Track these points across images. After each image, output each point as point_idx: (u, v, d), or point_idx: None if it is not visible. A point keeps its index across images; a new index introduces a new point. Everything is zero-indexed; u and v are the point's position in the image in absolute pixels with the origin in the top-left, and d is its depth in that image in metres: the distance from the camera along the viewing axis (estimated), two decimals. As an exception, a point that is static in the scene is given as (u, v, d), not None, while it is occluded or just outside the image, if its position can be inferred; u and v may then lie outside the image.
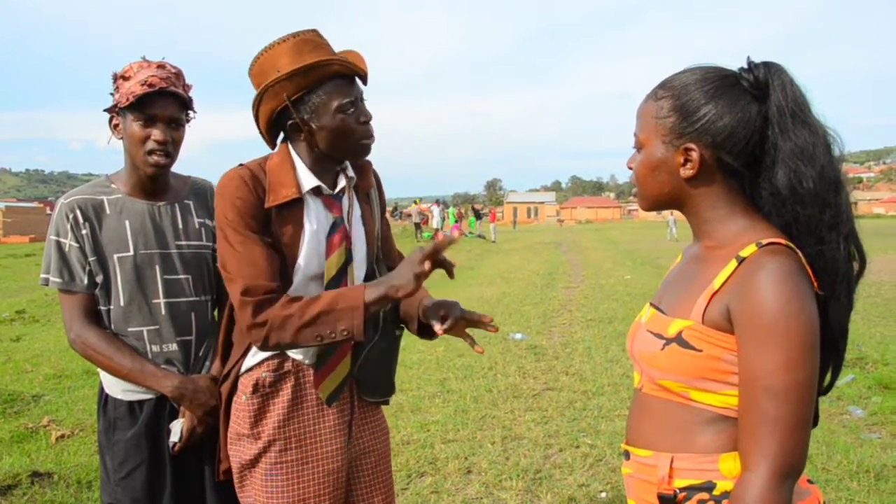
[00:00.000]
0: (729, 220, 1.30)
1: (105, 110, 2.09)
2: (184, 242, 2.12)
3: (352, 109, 1.78)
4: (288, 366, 1.84)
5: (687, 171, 1.28)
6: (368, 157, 1.95)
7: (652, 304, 1.40)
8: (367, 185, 2.01)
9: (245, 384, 1.85)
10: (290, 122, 1.79)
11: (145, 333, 2.06)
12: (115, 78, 2.07)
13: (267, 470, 1.82)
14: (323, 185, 1.84)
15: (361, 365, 1.92)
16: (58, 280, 2.03)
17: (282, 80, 1.72)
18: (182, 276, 2.10)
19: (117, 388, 2.07)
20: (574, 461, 4.19)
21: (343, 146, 1.81)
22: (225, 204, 1.74)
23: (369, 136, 1.84)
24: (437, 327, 1.84)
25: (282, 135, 1.89)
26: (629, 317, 9.47)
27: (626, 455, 1.38)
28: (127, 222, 2.06)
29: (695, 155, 1.26)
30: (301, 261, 1.81)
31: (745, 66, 1.28)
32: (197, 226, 2.16)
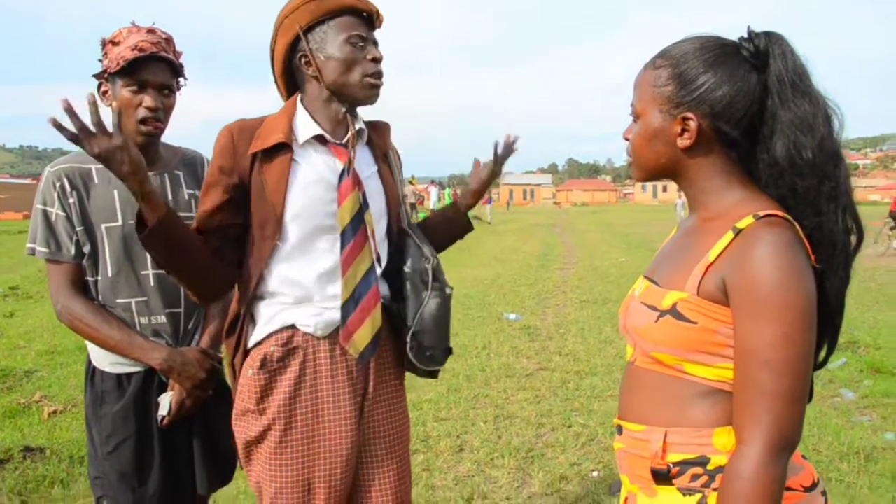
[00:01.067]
0: (725, 191, 1.28)
1: (94, 76, 2.05)
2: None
3: (361, 44, 1.78)
4: (297, 340, 1.79)
5: (684, 141, 1.26)
6: (386, 121, 1.99)
7: (646, 277, 1.39)
8: (384, 145, 1.99)
9: (254, 358, 1.80)
10: (300, 55, 1.80)
11: (133, 305, 2.03)
12: (104, 43, 2.03)
13: (272, 448, 1.78)
14: (327, 134, 1.82)
15: (415, 331, 1.87)
16: (44, 250, 1.99)
17: (296, 8, 1.77)
18: None
19: (105, 361, 2.05)
20: (566, 440, 4.20)
21: (349, 80, 1.79)
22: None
23: (377, 75, 1.81)
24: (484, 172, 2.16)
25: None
26: (623, 298, 9.11)
27: (619, 430, 1.36)
28: (115, 192, 2.01)
29: (693, 124, 1.24)
30: (297, 210, 1.76)
31: (746, 35, 1.26)
32: (187, 197, 2.13)
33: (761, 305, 1.12)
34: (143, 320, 2.04)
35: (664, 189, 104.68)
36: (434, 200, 32.81)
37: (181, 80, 2.10)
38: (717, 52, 1.24)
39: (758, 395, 1.12)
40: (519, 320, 7.96)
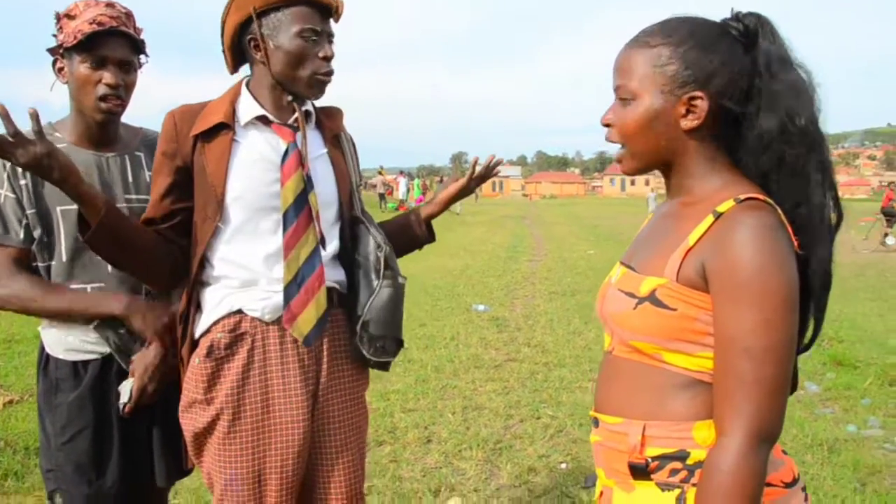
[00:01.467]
0: (710, 176, 1.24)
1: (48, 51, 1.94)
2: (133, 196, 2.00)
3: (314, 38, 1.72)
4: (245, 325, 1.74)
5: (690, 122, 1.21)
6: (339, 106, 1.94)
7: (622, 263, 1.34)
8: (335, 128, 1.94)
9: (201, 346, 1.76)
10: (250, 38, 1.74)
11: (90, 290, 1.93)
12: (59, 17, 1.92)
13: (221, 438, 1.73)
14: (269, 114, 1.77)
15: (364, 321, 1.82)
16: None
17: None
18: None
19: (59, 348, 1.95)
20: (535, 432, 4.18)
21: (296, 75, 1.74)
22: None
23: (326, 73, 1.76)
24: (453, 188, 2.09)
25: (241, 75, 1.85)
26: (592, 290, 9.50)
27: (595, 422, 1.32)
28: None
29: (702, 104, 1.20)
30: (238, 191, 1.72)
31: (731, 16, 1.24)
32: (148, 179, 2.04)
33: (741, 290, 1.08)
34: None
35: (632, 182, 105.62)
36: (403, 191, 32.67)
37: (142, 56, 2.01)
38: (714, 30, 1.22)
39: (738, 384, 1.08)
40: (488, 311, 7.94)
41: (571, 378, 5.27)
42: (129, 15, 1.95)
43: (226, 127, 1.74)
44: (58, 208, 1.90)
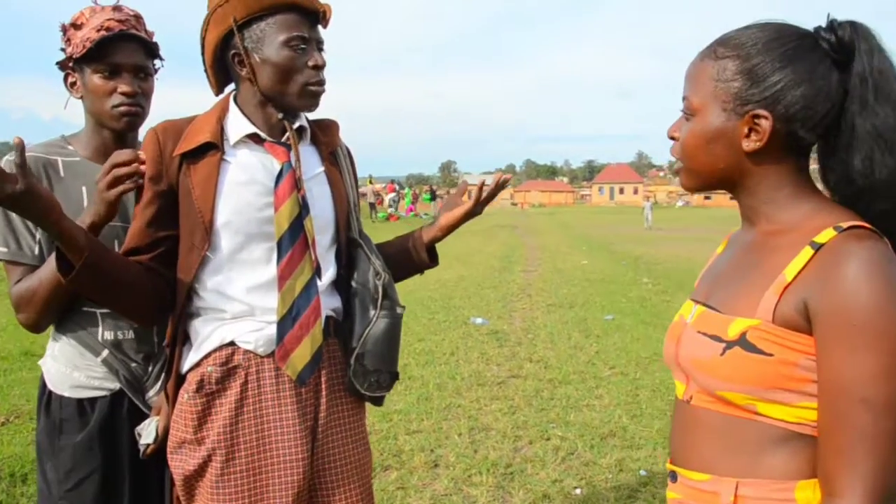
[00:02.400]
0: (795, 202, 1.10)
1: (57, 64, 1.80)
2: None
3: (303, 46, 1.57)
4: (238, 358, 1.59)
5: (751, 144, 1.08)
6: (333, 118, 1.80)
7: (696, 301, 1.20)
8: (332, 143, 1.78)
9: (189, 381, 1.61)
10: (233, 53, 1.59)
11: (99, 316, 1.78)
12: (65, 29, 1.78)
13: (213, 481, 1.57)
14: (260, 132, 1.62)
15: (358, 353, 1.68)
16: (3, 250, 1.72)
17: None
18: None
19: (64, 385, 1.78)
20: (545, 454, 4.02)
21: (286, 89, 1.59)
22: None
23: (318, 82, 1.60)
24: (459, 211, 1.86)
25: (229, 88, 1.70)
26: (589, 302, 9.41)
27: (673, 476, 1.18)
28: (84, 188, 1.77)
29: (765, 124, 1.06)
30: (228, 216, 1.57)
31: (826, 25, 1.09)
32: None
33: (856, 333, 0.94)
34: (108, 335, 1.78)
35: (621, 191, 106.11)
36: (387, 204, 32.61)
37: (157, 61, 1.86)
38: (795, 43, 1.06)
39: (854, 438, 0.94)
40: (486, 325, 7.78)
41: (578, 396, 5.12)
42: (138, 17, 1.81)
43: (213, 147, 1.58)
44: None
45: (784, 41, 1.06)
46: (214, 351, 1.60)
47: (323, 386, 1.68)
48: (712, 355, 1.07)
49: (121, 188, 1.57)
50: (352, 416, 1.74)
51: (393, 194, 33.80)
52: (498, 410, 4.81)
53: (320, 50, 1.62)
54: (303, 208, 1.60)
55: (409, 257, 1.89)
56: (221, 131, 1.61)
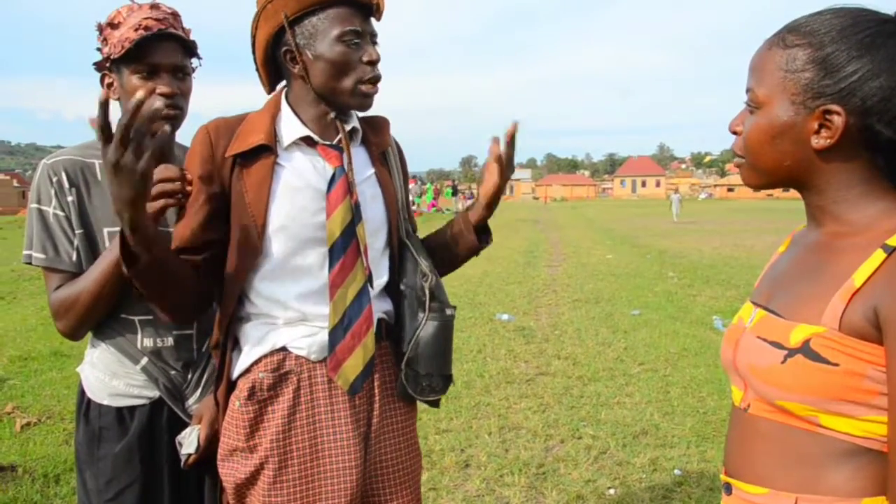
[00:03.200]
0: (865, 202, 1.04)
1: (94, 65, 1.76)
2: None
3: (356, 41, 1.52)
4: (290, 364, 1.56)
5: (821, 141, 1.02)
6: (384, 115, 1.74)
7: (756, 304, 1.14)
8: (383, 143, 1.73)
9: (241, 388, 1.57)
10: (285, 49, 1.54)
11: (137, 323, 1.75)
12: (101, 28, 1.74)
13: (266, 489, 1.54)
14: (314, 135, 1.57)
15: (409, 357, 1.64)
16: (41, 256, 1.68)
17: None
18: None
19: (103, 393, 1.75)
20: (577, 454, 3.97)
21: (339, 87, 1.54)
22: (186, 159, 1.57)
23: (372, 79, 1.55)
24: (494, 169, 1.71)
25: (281, 85, 1.66)
26: (615, 297, 9.32)
27: (727, 488, 1.13)
28: None
29: (837, 120, 0.99)
30: (281, 221, 1.53)
31: None
32: None
33: None
34: (148, 342, 1.75)
35: (643, 184, 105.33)
36: (413, 192, 32.63)
37: (194, 60, 1.82)
38: (874, 30, 0.99)
39: None
40: (512, 321, 7.73)
41: (608, 394, 5.06)
42: (175, 15, 1.77)
43: (267, 149, 1.54)
44: (105, 230, 1.72)
45: (861, 28, 1.00)
46: (266, 356, 1.56)
47: (376, 391, 1.64)
48: (772, 363, 1.02)
49: (162, 203, 1.49)
50: (404, 421, 1.71)
51: (415, 186, 33.78)
52: (528, 409, 4.76)
53: (374, 43, 1.57)
54: (355, 214, 1.56)
55: (459, 242, 1.81)
56: (275, 133, 1.57)
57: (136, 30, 1.66)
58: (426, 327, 1.65)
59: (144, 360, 1.74)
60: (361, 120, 1.71)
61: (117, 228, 1.67)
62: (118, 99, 1.76)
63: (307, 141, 1.58)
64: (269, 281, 1.56)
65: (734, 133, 1.14)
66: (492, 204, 1.77)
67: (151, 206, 1.53)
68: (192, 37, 1.80)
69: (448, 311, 1.68)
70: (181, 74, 1.75)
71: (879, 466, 0.96)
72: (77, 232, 1.70)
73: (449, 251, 1.82)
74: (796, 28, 1.05)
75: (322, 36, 1.51)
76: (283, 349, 1.56)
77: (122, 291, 1.68)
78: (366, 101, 1.58)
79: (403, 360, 1.65)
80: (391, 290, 1.71)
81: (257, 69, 1.64)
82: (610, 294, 9.63)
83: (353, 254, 1.55)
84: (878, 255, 0.96)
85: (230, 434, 1.58)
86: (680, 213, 29.29)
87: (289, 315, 1.57)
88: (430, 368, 1.64)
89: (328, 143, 1.59)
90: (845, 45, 0.99)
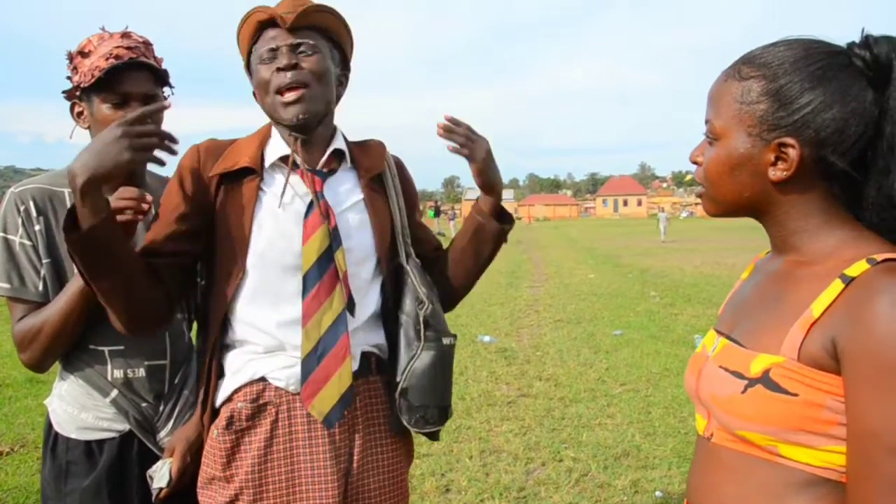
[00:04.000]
0: (824, 232, 1.04)
1: (64, 94, 1.74)
2: None
3: (271, 57, 1.54)
4: (269, 395, 1.53)
5: (778, 173, 1.02)
6: (379, 139, 1.75)
7: (720, 332, 1.14)
8: (373, 166, 1.69)
9: (221, 417, 1.55)
10: (253, 92, 1.62)
11: (107, 354, 1.71)
12: (72, 56, 1.72)
13: None
14: (297, 157, 1.57)
15: (402, 388, 1.61)
16: (5, 286, 1.65)
17: (238, 42, 1.62)
18: None
19: (70, 426, 1.71)
20: (558, 477, 3.95)
21: (267, 104, 1.56)
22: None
23: (284, 87, 1.51)
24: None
25: None
26: (597, 317, 9.33)
27: None
28: None
29: (792, 153, 1.00)
30: (262, 246, 1.52)
31: (860, 41, 1.02)
32: None
33: (888, 376, 0.87)
34: (118, 373, 1.72)
35: (625, 203, 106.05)
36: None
37: (166, 88, 1.80)
38: (826, 62, 1.00)
39: (884, 489, 0.87)
40: (494, 343, 7.71)
41: (590, 415, 5.04)
42: (147, 44, 1.76)
43: (251, 172, 1.54)
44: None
45: (814, 60, 1.00)
46: (245, 386, 1.54)
47: (360, 425, 1.60)
48: (733, 392, 1.01)
49: (121, 218, 1.51)
50: (391, 459, 1.65)
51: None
52: (509, 431, 4.73)
53: (294, 51, 1.53)
54: (333, 240, 1.53)
55: (482, 233, 1.76)
56: (261, 158, 1.57)
57: (107, 59, 1.65)
58: (421, 357, 1.61)
59: (114, 393, 1.71)
60: (353, 144, 1.70)
61: None
62: (88, 128, 1.74)
63: (290, 164, 1.57)
64: (249, 307, 1.55)
65: (694, 163, 1.14)
66: (487, 187, 1.73)
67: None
68: (164, 65, 1.78)
69: (445, 341, 1.65)
70: (152, 103, 1.73)
71: (838, 497, 0.94)
72: (44, 261, 1.67)
73: (475, 246, 1.77)
74: (751, 60, 1.05)
75: (254, 66, 1.57)
76: (263, 379, 1.54)
77: (90, 322, 1.66)
78: (288, 109, 1.52)
79: (397, 391, 1.62)
80: (388, 320, 1.68)
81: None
82: (592, 314, 9.65)
83: (329, 280, 1.52)
84: (837, 286, 0.95)
85: (208, 463, 1.56)
86: (667, 233, 28.34)
87: (268, 343, 1.54)
88: (425, 400, 1.61)
89: (310, 168, 1.58)
90: (798, 77, 1.00)
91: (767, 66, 1.03)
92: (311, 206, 1.54)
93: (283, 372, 1.53)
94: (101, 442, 1.71)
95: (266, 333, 1.54)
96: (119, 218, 1.50)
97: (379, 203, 1.67)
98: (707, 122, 1.10)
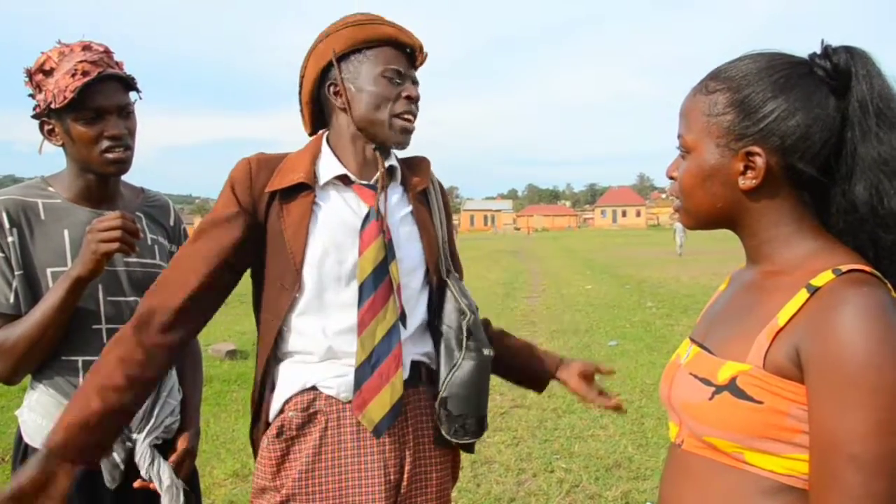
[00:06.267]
0: (795, 241, 1.05)
1: (34, 117, 1.72)
2: (133, 259, 1.78)
3: (398, 80, 1.58)
4: (320, 403, 1.54)
5: (747, 182, 1.03)
6: (423, 156, 1.78)
7: (693, 341, 1.15)
8: (420, 182, 1.73)
9: (272, 427, 1.56)
10: (329, 84, 1.61)
11: (81, 364, 1.70)
12: (31, 74, 1.70)
13: None
14: (351, 174, 1.60)
15: (442, 397, 1.61)
16: None
17: (333, 32, 1.60)
18: (130, 299, 1.76)
19: (40, 437, 1.66)
20: (549, 488, 3.94)
21: (378, 118, 1.58)
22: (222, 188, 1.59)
23: (410, 115, 1.60)
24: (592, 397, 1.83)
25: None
26: (593, 328, 9.34)
27: None
28: (66, 231, 1.70)
29: (759, 161, 1.01)
30: (316, 258, 1.53)
31: (820, 51, 1.04)
32: (150, 242, 1.83)
33: (848, 385, 0.88)
34: None
35: (623, 214, 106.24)
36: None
37: (133, 94, 1.79)
38: (787, 72, 1.02)
39: (842, 498, 0.87)
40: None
41: (582, 426, 5.04)
42: (108, 53, 1.74)
43: (306, 187, 1.56)
44: (48, 270, 1.68)
45: (776, 70, 1.02)
46: (296, 395, 1.55)
47: (409, 438, 1.60)
48: (701, 399, 1.02)
49: (116, 247, 1.57)
50: (439, 473, 1.65)
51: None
52: (501, 442, 4.73)
53: (415, 84, 1.63)
54: (388, 252, 1.56)
55: (531, 372, 1.88)
56: (314, 173, 1.59)
57: (74, 76, 1.63)
58: (462, 366, 1.62)
59: None
60: (401, 160, 1.74)
61: (61, 269, 1.66)
62: (62, 145, 1.73)
63: (344, 180, 1.60)
64: (303, 317, 1.56)
65: (671, 178, 1.16)
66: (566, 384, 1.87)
67: (101, 248, 1.56)
68: (126, 70, 1.77)
69: (486, 352, 1.66)
70: (125, 113, 1.74)
71: (803, 503, 0.95)
72: (16, 273, 1.66)
73: (518, 365, 1.88)
74: (717, 75, 1.08)
75: (367, 71, 1.58)
76: (314, 388, 1.55)
77: (64, 334, 1.66)
78: (403, 134, 1.60)
79: (437, 400, 1.63)
80: (432, 330, 1.70)
81: (301, 108, 1.69)
82: (588, 325, 9.65)
83: (384, 292, 1.54)
84: (802, 295, 0.96)
85: (259, 473, 1.57)
86: (684, 245, 25.83)
87: (321, 352, 1.55)
88: (465, 409, 1.61)
89: (364, 182, 1.61)
90: (761, 87, 1.02)
91: (732, 79, 1.05)
92: (366, 218, 1.56)
93: (335, 381, 1.54)
94: None
95: (319, 343, 1.55)
96: (107, 248, 1.57)
97: (425, 216, 1.71)
98: (679, 136, 1.12)
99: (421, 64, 1.67)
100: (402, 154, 1.73)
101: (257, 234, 1.56)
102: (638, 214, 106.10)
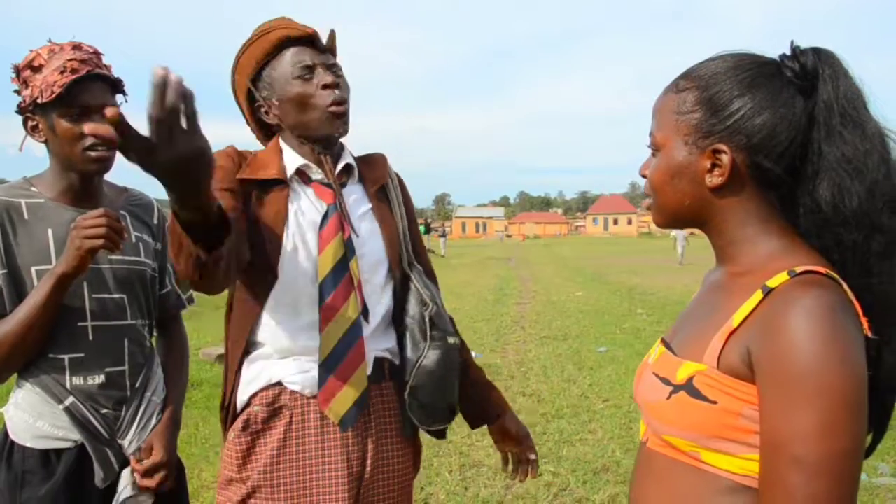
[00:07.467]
0: (761, 241, 1.07)
1: (18, 111, 1.74)
2: (118, 257, 1.79)
3: (308, 75, 1.60)
4: (284, 398, 1.59)
5: (714, 179, 1.06)
6: (382, 152, 1.82)
7: (663, 341, 1.18)
8: (379, 179, 1.77)
9: (238, 421, 1.61)
10: (257, 106, 1.66)
11: (66, 362, 1.70)
12: (18, 71, 1.72)
13: None
14: (313, 166, 1.64)
15: (412, 386, 1.66)
16: None
17: (238, 60, 1.66)
18: (115, 296, 1.77)
19: (27, 434, 1.70)
20: (537, 491, 3.96)
21: (307, 119, 1.61)
22: None
23: (335, 102, 1.60)
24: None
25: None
26: (583, 334, 9.36)
27: None
28: (49, 230, 1.72)
29: (725, 158, 1.04)
30: (287, 256, 1.58)
31: (789, 52, 1.07)
32: (134, 240, 1.85)
33: (794, 386, 0.88)
34: (77, 380, 1.71)
35: (615, 222, 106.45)
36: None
37: (119, 96, 1.81)
38: (755, 71, 1.04)
39: (784, 499, 0.88)
40: (479, 358, 7.71)
41: (571, 430, 5.06)
42: (98, 54, 1.77)
43: (281, 182, 1.61)
44: (32, 269, 1.69)
45: (744, 69, 1.05)
46: (262, 390, 1.60)
47: (373, 430, 1.65)
48: (660, 398, 1.04)
49: (100, 243, 1.57)
50: (400, 464, 1.71)
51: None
52: (489, 446, 4.73)
53: (331, 70, 1.63)
54: (348, 250, 1.59)
55: (481, 405, 1.87)
56: (284, 169, 1.64)
57: (62, 72, 1.65)
58: (428, 356, 1.67)
59: (69, 400, 1.70)
60: (358, 158, 1.77)
61: (46, 267, 1.68)
62: (45, 141, 1.74)
63: (304, 179, 1.64)
64: (272, 312, 1.61)
65: (643, 177, 1.18)
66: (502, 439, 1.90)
67: (86, 244, 1.56)
68: (115, 73, 1.79)
69: (451, 340, 1.71)
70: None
71: None
72: (1, 273, 1.67)
73: (470, 396, 1.85)
74: (687, 74, 1.10)
75: (279, 80, 1.61)
76: (279, 384, 1.59)
77: (50, 332, 1.67)
78: (336, 121, 1.62)
79: (407, 391, 1.67)
80: (397, 323, 1.74)
81: (250, 126, 1.76)
82: (578, 331, 9.67)
83: (344, 289, 1.58)
84: (757, 296, 0.97)
85: (226, 465, 1.62)
86: (685, 254, 24.42)
87: (285, 348, 1.60)
88: (433, 398, 1.67)
89: (323, 180, 1.65)
90: (728, 85, 1.04)
91: (700, 77, 1.07)
92: (325, 217, 1.60)
93: (300, 377, 1.59)
94: (59, 451, 1.70)
95: (283, 339, 1.60)
96: (91, 245, 1.57)
97: (385, 212, 1.75)
98: (650, 134, 1.14)
99: (332, 44, 1.67)
100: (359, 152, 1.77)
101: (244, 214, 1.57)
102: (629, 222, 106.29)
